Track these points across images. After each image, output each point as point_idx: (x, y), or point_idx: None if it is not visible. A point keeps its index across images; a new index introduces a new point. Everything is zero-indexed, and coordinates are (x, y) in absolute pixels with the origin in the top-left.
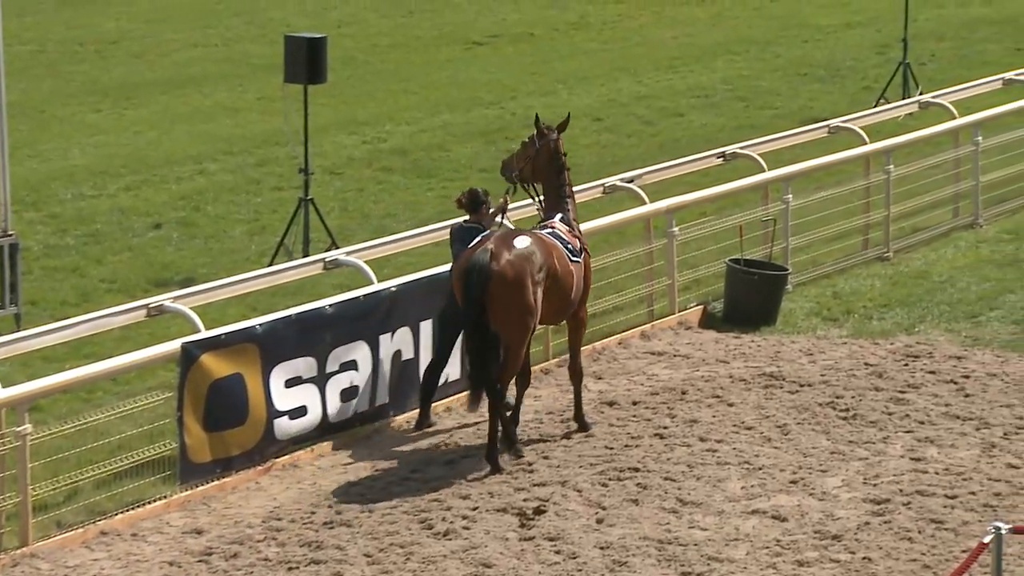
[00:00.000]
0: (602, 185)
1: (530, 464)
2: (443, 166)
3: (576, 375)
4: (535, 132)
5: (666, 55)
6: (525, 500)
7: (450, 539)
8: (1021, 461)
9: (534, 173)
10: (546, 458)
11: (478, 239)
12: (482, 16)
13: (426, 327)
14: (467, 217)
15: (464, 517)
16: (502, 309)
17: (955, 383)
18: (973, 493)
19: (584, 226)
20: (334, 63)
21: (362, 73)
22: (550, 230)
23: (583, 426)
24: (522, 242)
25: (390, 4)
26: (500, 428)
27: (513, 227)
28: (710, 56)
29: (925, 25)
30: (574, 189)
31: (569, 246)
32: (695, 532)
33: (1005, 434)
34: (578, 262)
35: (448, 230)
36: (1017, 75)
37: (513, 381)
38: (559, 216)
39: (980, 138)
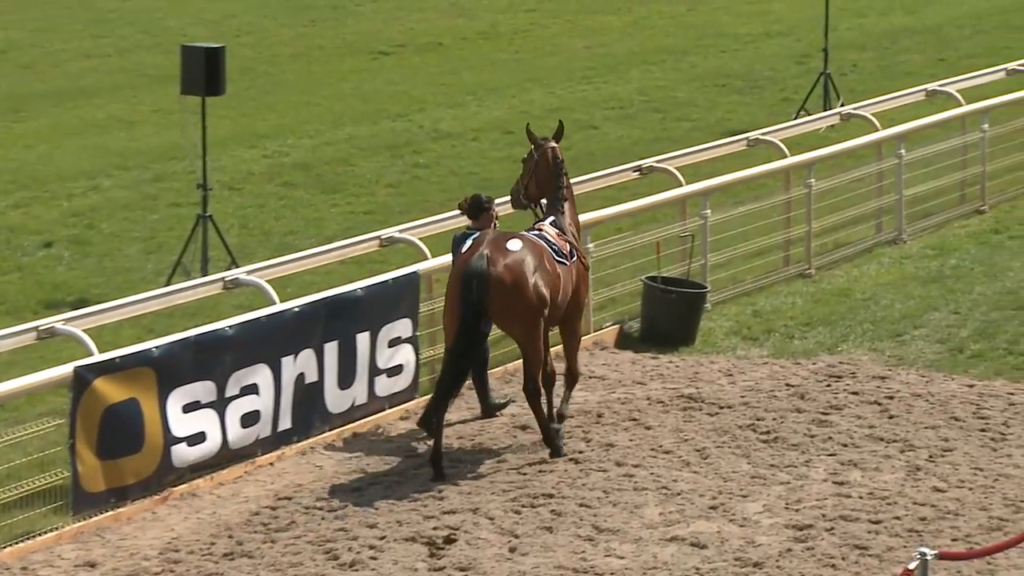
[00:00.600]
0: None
1: (440, 491)
2: (348, 181)
3: (571, 379)
4: (532, 146)
5: (580, 65)
6: (435, 528)
7: (357, 570)
8: (947, 484)
9: (538, 187)
10: (456, 484)
11: (470, 244)
12: (388, 25)
13: (331, 348)
14: (469, 224)
15: (371, 547)
16: (506, 312)
17: (879, 404)
18: (898, 518)
19: None
20: (233, 74)
21: (262, 84)
22: (537, 232)
23: (552, 440)
24: (515, 244)
25: (291, 12)
26: (546, 418)
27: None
28: (625, 66)
29: (846, 35)
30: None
31: (555, 247)
32: (611, 560)
33: (930, 456)
34: (564, 264)
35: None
36: (940, 86)
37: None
38: (550, 219)
39: (903, 151)
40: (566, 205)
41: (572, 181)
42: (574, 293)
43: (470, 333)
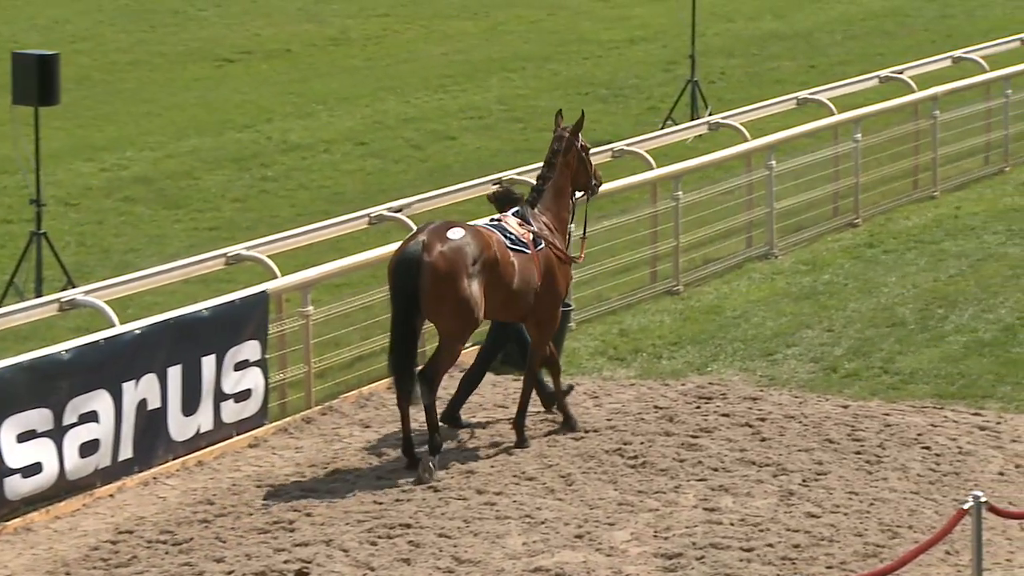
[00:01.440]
0: (367, 215)
1: (291, 522)
2: (192, 195)
3: (552, 367)
4: (560, 143)
5: (436, 73)
6: (286, 562)
7: None
8: (821, 510)
9: (574, 182)
10: (309, 515)
11: (414, 230)
12: (232, 31)
13: (175, 373)
14: (494, 216)
15: None
16: (436, 301)
17: (750, 426)
18: (771, 545)
19: (349, 259)
20: (68, 83)
21: (99, 93)
22: (497, 222)
23: (520, 433)
24: (456, 233)
25: (129, 17)
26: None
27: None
28: (483, 74)
29: (714, 41)
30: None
31: (511, 235)
32: None
33: (804, 481)
34: (522, 251)
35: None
36: (811, 94)
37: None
38: (513, 210)
39: (774, 162)
40: (547, 195)
41: (427, 195)
42: (546, 284)
43: (405, 327)
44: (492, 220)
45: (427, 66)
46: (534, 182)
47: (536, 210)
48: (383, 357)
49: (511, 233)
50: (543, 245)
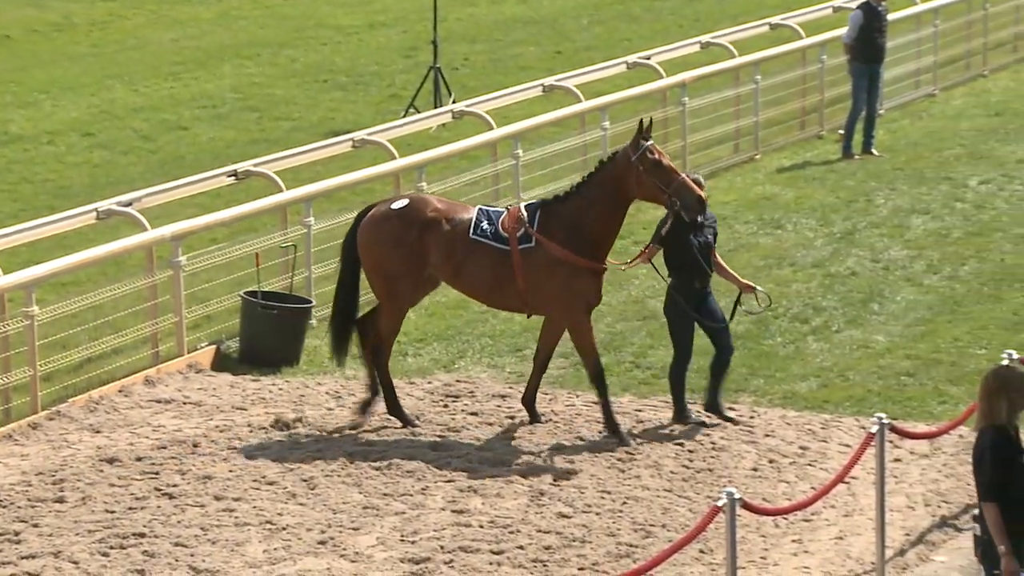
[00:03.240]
0: (95, 210)
1: (16, 533)
2: None
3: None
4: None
5: (166, 60)
6: None
7: None
8: (573, 510)
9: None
10: (36, 525)
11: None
12: None
13: None
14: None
15: None
16: (363, 267)
17: (500, 425)
18: (521, 547)
19: (75, 256)
20: None
21: None
22: (491, 209)
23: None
24: (399, 203)
25: None
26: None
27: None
28: (216, 61)
29: (456, 26)
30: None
31: (485, 225)
32: None
33: (555, 480)
34: (484, 242)
35: None
36: (558, 81)
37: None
38: (527, 203)
39: (520, 151)
40: (572, 201)
41: (159, 187)
42: (536, 283)
43: (344, 290)
44: (495, 209)
45: (157, 53)
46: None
47: (551, 210)
48: (114, 359)
49: (486, 225)
50: (532, 243)
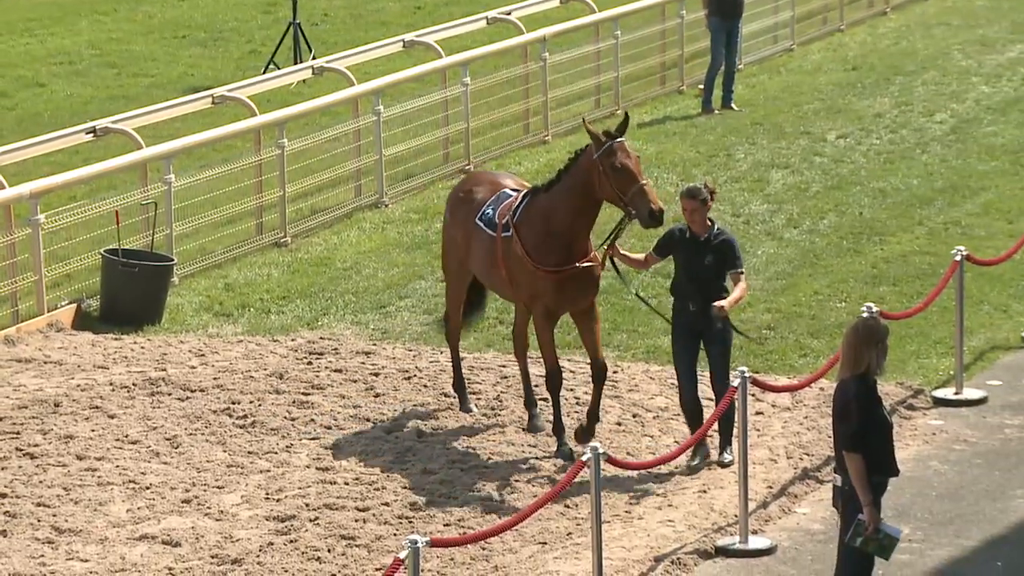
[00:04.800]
0: None
1: None
2: None
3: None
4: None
5: (21, 16)
6: None
7: None
8: (437, 465)
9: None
10: None
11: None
12: None
13: None
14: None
15: None
16: None
17: (364, 382)
18: (387, 504)
19: None
20: None
21: None
22: (509, 192)
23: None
24: (483, 176)
25: None
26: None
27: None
28: (73, 16)
29: None
30: None
31: (488, 210)
32: (74, 564)
33: (420, 436)
34: (481, 229)
35: None
36: (418, 36)
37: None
38: (527, 191)
39: (381, 107)
40: (543, 197)
41: (15, 145)
42: (509, 274)
43: None
44: (513, 191)
45: (11, 8)
46: None
47: (534, 200)
48: None
49: (490, 208)
50: (511, 234)
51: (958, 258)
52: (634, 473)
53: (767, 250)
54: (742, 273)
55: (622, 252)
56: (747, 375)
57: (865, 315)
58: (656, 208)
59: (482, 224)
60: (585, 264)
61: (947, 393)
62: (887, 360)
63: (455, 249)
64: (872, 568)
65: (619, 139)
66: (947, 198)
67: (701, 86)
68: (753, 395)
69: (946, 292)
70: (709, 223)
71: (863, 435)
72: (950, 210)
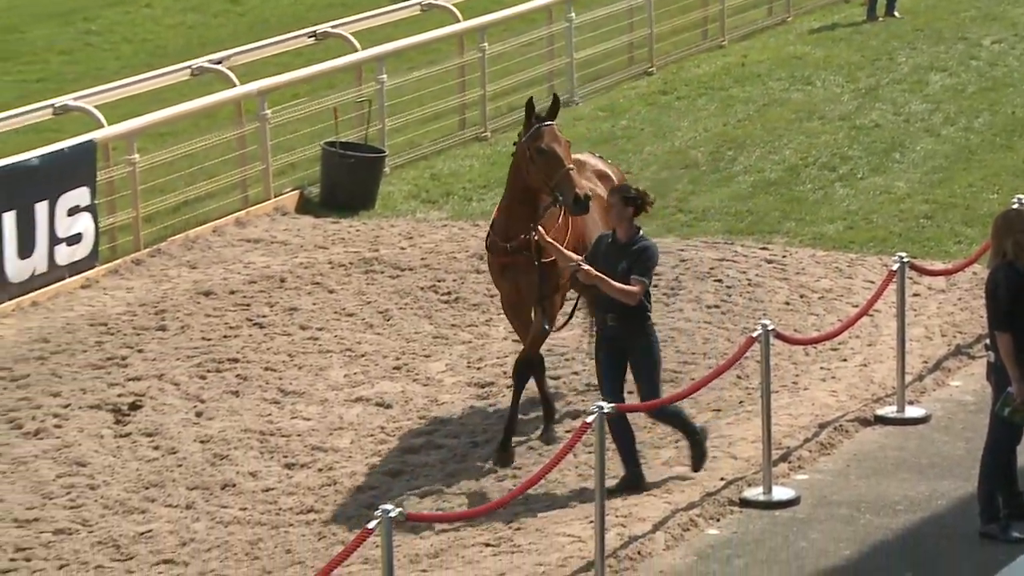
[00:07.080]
0: (189, 67)
1: (123, 358)
2: (19, 48)
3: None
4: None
5: None
6: (120, 396)
7: (41, 439)
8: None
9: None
10: (140, 351)
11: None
12: None
13: (9, 218)
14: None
15: (56, 415)
16: None
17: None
18: (576, 373)
19: (172, 109)
20: None
21: None
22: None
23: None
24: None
25: None
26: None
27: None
28: None
29: None
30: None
31: None
32: (298, 423)
33: None
34: None
35: None
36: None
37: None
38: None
39: (573, 14)
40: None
41: (245, 47)
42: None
43: None
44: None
45: None
46: None
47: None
48: (207, 202)
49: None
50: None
51: None
52: (801, 348)
53: (925, 146)
54: (643, 283)
55: (548, 239)
56: (905, 260)
57: (1014, 206)
58: (582, 193)
59: None
60: (514, 245)
61: None
62: None
63: None
64: (1020, 437)
65: (548, 123)
66: None
67: None
68: (911, 278)
69: None
70: (635, 229)
71: (1011, 316)
72: None
